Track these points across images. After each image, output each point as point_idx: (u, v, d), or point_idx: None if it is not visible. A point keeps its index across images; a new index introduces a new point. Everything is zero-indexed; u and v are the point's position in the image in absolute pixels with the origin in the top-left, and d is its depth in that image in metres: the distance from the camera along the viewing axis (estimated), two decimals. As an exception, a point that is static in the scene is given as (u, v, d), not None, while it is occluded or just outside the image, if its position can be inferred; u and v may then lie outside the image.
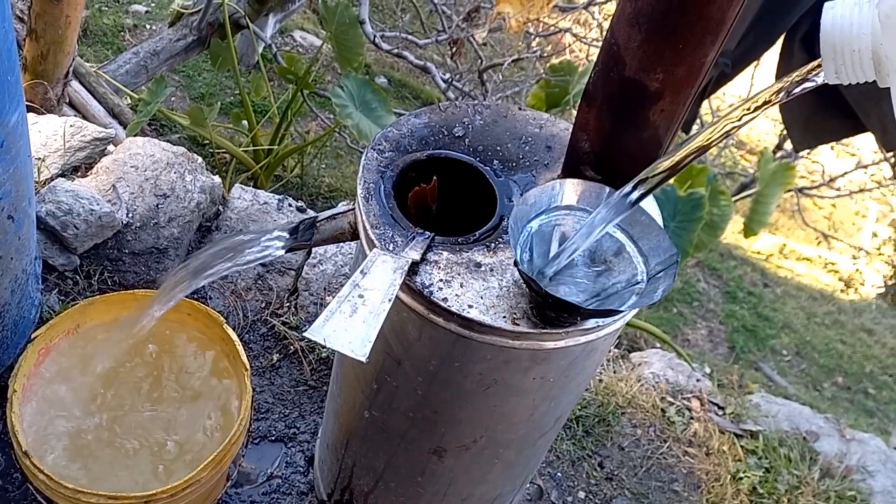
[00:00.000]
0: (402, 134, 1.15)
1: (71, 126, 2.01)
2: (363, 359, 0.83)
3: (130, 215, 1.90)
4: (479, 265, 1.02)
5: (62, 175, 1.95)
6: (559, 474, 1.80)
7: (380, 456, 1.31)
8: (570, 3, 5.24)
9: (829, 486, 1.93)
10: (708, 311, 6.11)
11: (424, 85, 7.17)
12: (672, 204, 3.77)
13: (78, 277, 1.84)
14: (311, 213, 2.13)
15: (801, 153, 5.82)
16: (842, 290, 7.11)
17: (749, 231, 4.48)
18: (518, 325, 0.97)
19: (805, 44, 1.90)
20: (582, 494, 1.78)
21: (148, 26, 6.84)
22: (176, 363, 1.47)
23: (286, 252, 1.16)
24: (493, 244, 1.05)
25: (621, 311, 0.91)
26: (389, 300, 0.89)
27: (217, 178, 2.03)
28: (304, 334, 0.84)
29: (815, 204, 8.67)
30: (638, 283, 0.95)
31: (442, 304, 0.97)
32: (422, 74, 7.01)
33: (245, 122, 4.64)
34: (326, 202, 4.70)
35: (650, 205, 1.09)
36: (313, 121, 5.46)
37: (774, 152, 5.97)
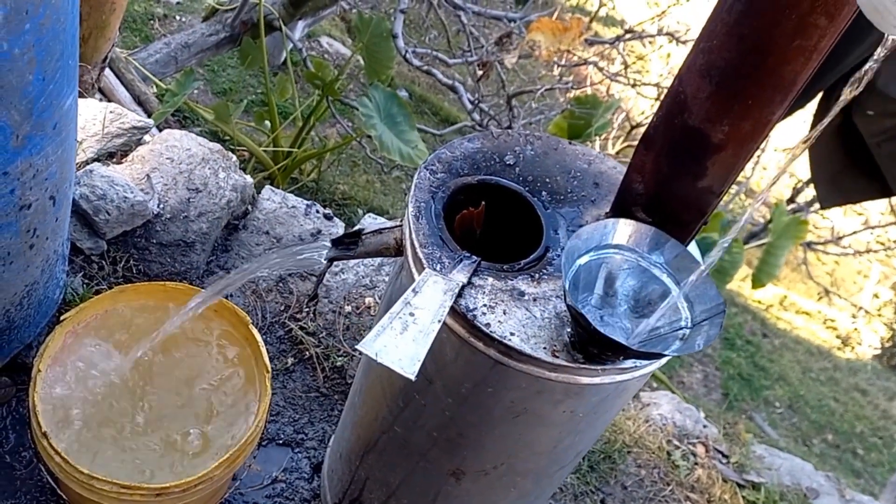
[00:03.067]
0: (455, 157, 1.17)
1: (111, 112, 2.03)
2: (412, 377, 0.84)
3: (162, 206, 1.91)
4: (522, 294, 1.04)
5: (97, 160, 1.97)
6: (561, 507, 1.81)
7: (396, 472, 1.32)
8: (596, 37, 5.29)
9: (826, 544, 1.94)
10: (705, 355, 6.11)
11: (444, 102, 7.22)
12: (684, 246, 3.79)
13: (104, 262, 1.85)
14: (337, 221, 2.15)
15: (811, 208, 5.86)
16: (839, 348, 7.12)
17: (757, 282, 4.50)
18: (557, 357, 0.98)
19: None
20: (581, 529, 1.79)
21: (178, 17, 6.88)
22: (199, 359, 1.48)
23: (330, 261, 1.18)
24: (537, 274, 1.07)
25: (665, 355, 0.92)
26: (439, 321, 0.91)
27: (249, 178, 2.05)
28: (357, 347, 0.86)
29: (818, 259, 8.70)
30: (681, 328, 0.96)
31: (484, 328, 0.98)
32: (442, 91, 7.06)
33: (267, 122, 4.67)
34: (339, 209, 4.71)
35: (695, 252, 1.10)
36: (332, 127, 5.49)
37: (787, 204, 6.01)
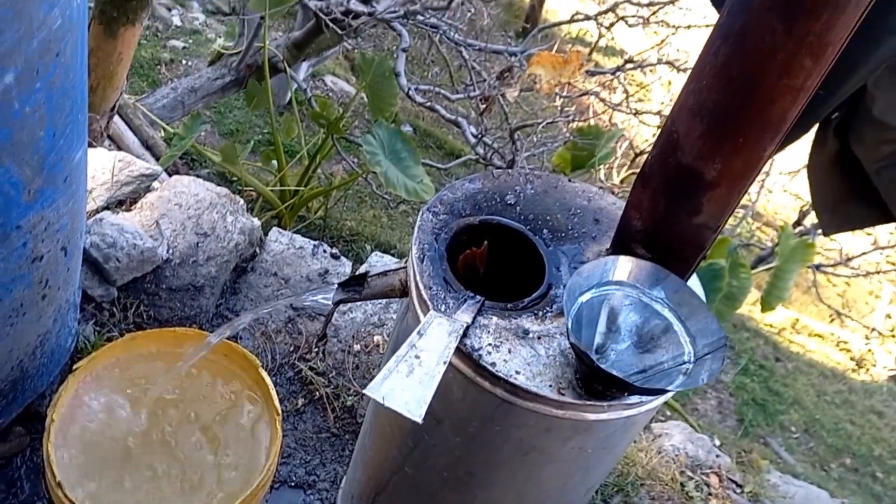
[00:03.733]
0: (457, 198, 1.19)
1: (120, 161, 2.07)
2: (419, 420, 0.85)
3: (171, 251, 1.94)
4: (527, 332, 1.05)
5: (107, 208, 2.00)
6: (575, 541, 1.80)
7: (407, 511, 1.32)
8: (597, 68, 5.33)
9: (844, 573, 1.92)
10: (719, 381, 6.08)
11: (448, 136, 7.28)
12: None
13: (115, 309, 1.87)
14: (344, 260, 2.17)
15: (818, 231, 5.85)
16: (853, 370, 7.07)
17: (766, 306, 4.49)
18: (563, 394, 0.99)
19: (838, 132, 1.94)
20: (596, 564, 1.79)
21: (184, 61, 6.99)
22: (210, 404, 1.50)
23: (337, 304, 1.20)
24: (540, 312, 1.08)
25: (668, 391, 0.93)
26: (445, 362, 0.92)
27: (256, 221, 2.08)
28: (364, 391, 0.87)
29: (829, 281, 8.66)
30: (684, 363, 0.97)
31: (490, 368, 1.00)
32: (446, 125, 7.11)
33: (274, 162, 4.72)
34: (347, 245, 4.74)
35: (696, 286, 1.12)
36: (338, 164, 5.54)
37: (794, 227, 6.01)
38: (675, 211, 1.00)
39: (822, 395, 6.38)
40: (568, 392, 0.99)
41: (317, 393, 1.88)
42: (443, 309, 1.04)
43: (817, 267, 5.73)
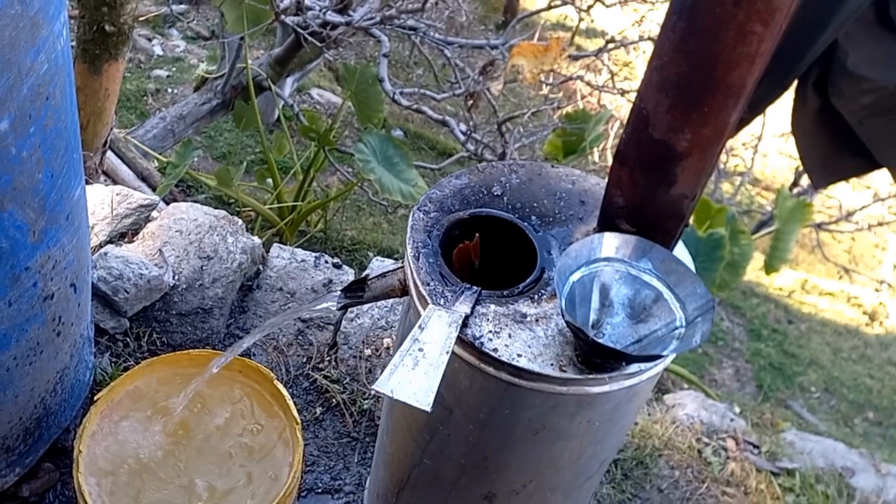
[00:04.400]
0: (445, 195, 1.23)
1: (118, 194, 2.12)
2: (427, 408, 0.90)
3: (176, 278, 1.99)
4: (524, 316, 1.09)
5: (110, 241, 2.05)
6: (600, 517, 1.85)
7: None
8: (579, 52, 5.38)
9: (868, 522, 1.96)
10: (733, 350, 6.11)
11: (439, 136, 7.32)
12: (693, 245, 3.84)
13: (128, 339, 1.92)
14: (346, 268, 2.22)
15: (817, 189, 5.88)
16: (867, 325, 7.09)
17: (770, 268, 4.53)
18: (565, 371, 1.03)
19: (817, 88, 1.98)
20: (624, 537, 1.83)
21: (170, 90, 7.04)
22: (231, 420, 1.54)
23: (340, 309, 1.24)
24: (536, 296, 1.12)
25: (663, 356, 0.97)
26: (447, 352, 0.97)
27: (257, 239, 2.13)
28: (372, 387, 0.92)
29: (834, 238, 8.68)
30: (677, 328, 1.01)
31: (492, 354, 1.04)
32: (437, 126, 7.16)
33: (269, 180, 4.78)
34: (350, 254, 4.80)
35: (682, 253, 1.16)
36: (333, 175, 5.59)
37: (791, 189, 6.04)
38: (653, 184, 1.04)
39: (839, 352, 6.41)
40: (569, 369, 1.04)
41: (333, 400, 1.92)
42: (441, 302, 1.08)
43: (819, 225, 5.76)
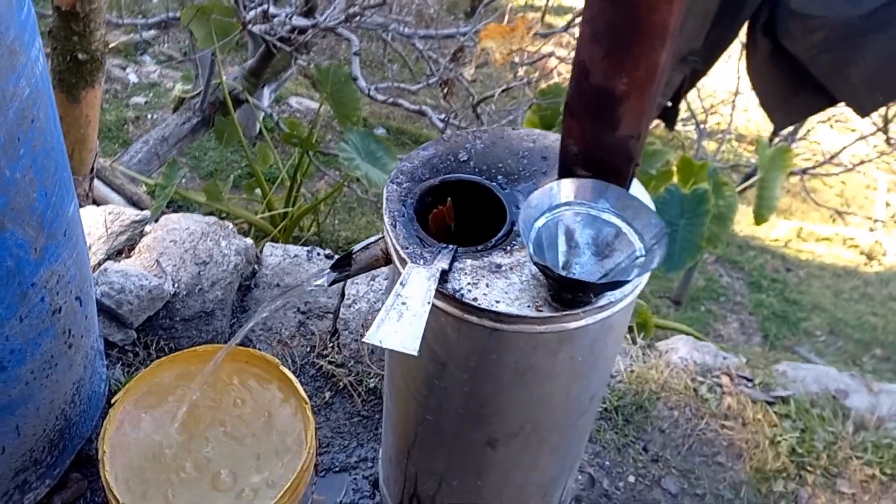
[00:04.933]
0: (415, 166, 1.32)
1: (110, 213, 2.21)
2: (414, 353, 0.99)
3: (176, 285, 2.08)
4: (499, 266, 1.18)
5: (108, 259, 2.14)
6: (607, 463, 1.94)
7: (439, 458, 1.46)
8: (548, 29, 5.45)
9: (865, 438, 2.05)
10: (736, 304, 6.20)
11: (422, 129, 7.41)
12: (678, 203, 3.93)
13: (137, 349, 2.01)
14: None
15: (797, 139, 5.96)
16: (865, 264, 7.18)
17: (759, 218, 4.61)
18: (541, 311, 1.12)
19: (766, 31, 2.07)
20: (632, 479, 1.92)
21: (149, 115, 7.13)
22: (244, 406, 1.64)
23: (331, 284, 1.33)
24: (508, 247, 1.22)
25: (627, 281, 1.06)
26: (428, 303, 1.06)
27: (249, 240, 2.22)
28: (363, 340, 1.01)
29: (824, 184, 8.77)
30: (638, 257, 1.10)
31: (473, 303, 1.13)
32: (418, 119, 7.25)
33: (258, 191, 4.87)
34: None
35: (637, 188, 1.25)
36: (321, 179, 5.68)
37: (771, 140, 6.11)
38: (600, 129, 1.13)
39: (840, 294, 6.49)
40: (545, 308, 1.13)
41: (340, 383, 2.02)
42: (420, 263, 1.17)
43: (804, 171, 5.84)
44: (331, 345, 2.09)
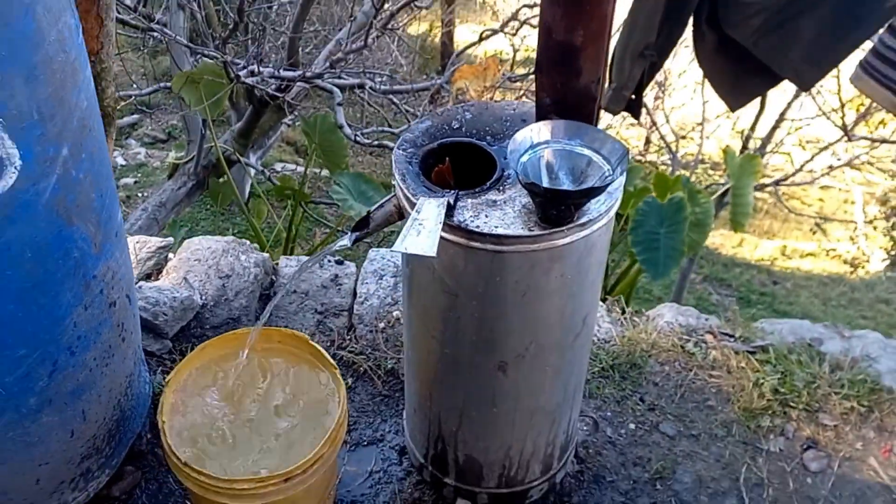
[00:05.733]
0: (416, 135, 1.61)
1: (137, 242, 2.47)
2: (433, 254, 1.25)
3: (204, 298, 2.33)
4: (495, 202, 1.46)
5: (140, 281, 2.39)
6: (609, 413, 2.17)
7: (458, 391, 1.70)
8: (515, 74, 5.80)
9: (841, 377, 2.30)
10: (727, 320, 6.45)
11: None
12: (657, 213, 4.23)
13: (174, 356, 2.25)
14: (348, 263, 2.57)
15: (765, 149, 6.32)
16: (850, 272, 7.49)
17: (737, 225, 4.92)
18: (533, 230, 1.39)
19: (710, 23, 2.39)
20: (632, 426, 2.15)
21: (140, 194, 7.44)
22: (281, 377, 1.88)
23: (354, 243, 1.60)
24: (500, 188, 1.49)
25: (602, 189, 1.33)
26: (440, 223, 1.33)
27: (265, 254, 2.48)
28: (391, 249, 1.27)
29: (803, 203, 9.15)
30: (608, 177, 1.38)
31: (477, 230, 1.40)
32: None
33: (255, 245, 5.12)
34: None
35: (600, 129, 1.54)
36: (316, 227, 5.97)
37: (741, 152, 6.47)
38: (566, 78, 1.42)
39: (828, 301, 6.78)
40: (536, 228, 1.40)
41: (361, 369, 2.25)
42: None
43: (777, 182, 6.19)
44: (348, 338, 2.33)
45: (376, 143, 4.43)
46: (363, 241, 1.65)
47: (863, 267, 7.59)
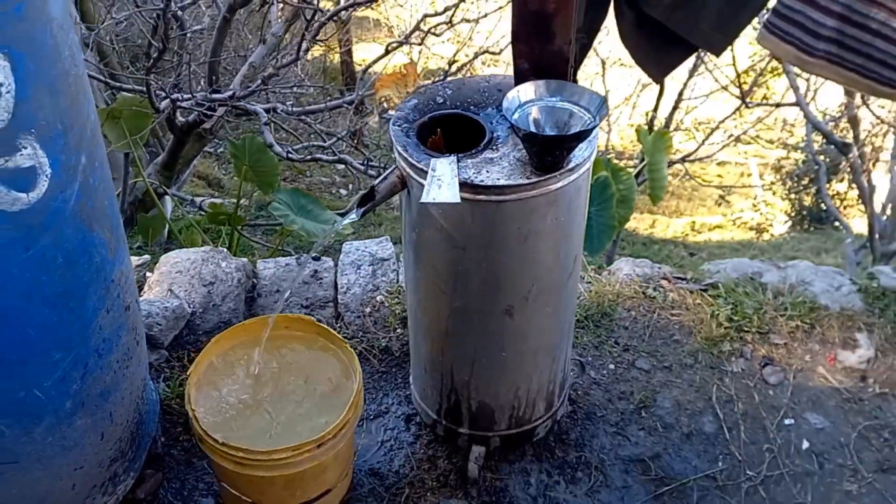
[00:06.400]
0: (406, 113, 1.80)
1: (116, 261, 2.55)
2: (458, 200, 1.45)
3: (192, 306, 2.45)
4: (491, 160, 1.66)
5: (126, 297, 2.48)
6: (589, 358, 2.41)
7: (469, 342, 1.89)
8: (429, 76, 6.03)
9: (784, 301, 2.60)
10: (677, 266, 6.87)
11: (333, 200, 7.86)
12: (585, 193, 4.51)
13: (173, 363, 2.36)
14: (325, 258, 2.72)
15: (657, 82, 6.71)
16: (757, 237, 8.03)
17: (655, 198, 5.26)
18: (530, 178, 1.60)
19: (629, 3, 2.66)
20: (612, 366, 2.39)
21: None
22: (296, 357, 2.02)
23: (361, 217, 1.77)
24: (493, 148, 1.70)
25: (589, 131, 1.55)
26: (455, 175, 1.52)
27: (244, 259, 2.61)
28: (420, 201, 1.46)
29: (704, 180, 9.72)
30: (590, 123, 1.60)
31: (481, 183, 1.60)
32: (327, 189, 7.71)
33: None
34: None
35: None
36: (256, 251, 6.02)
37: (650, 130, 6.86)
38: (541, 44, 1.64)
39: (741, 266, 7.29)
40: (533, 176, 1.60)
41: (356, 351, 2.40)
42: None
43: (683, 159, 6.61)
44: (338, 326, 2.49)
45: (309, 158, 4.57)
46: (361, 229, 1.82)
47: (767, 231, 8.16)
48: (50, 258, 1.61)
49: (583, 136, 1.57)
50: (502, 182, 1.59)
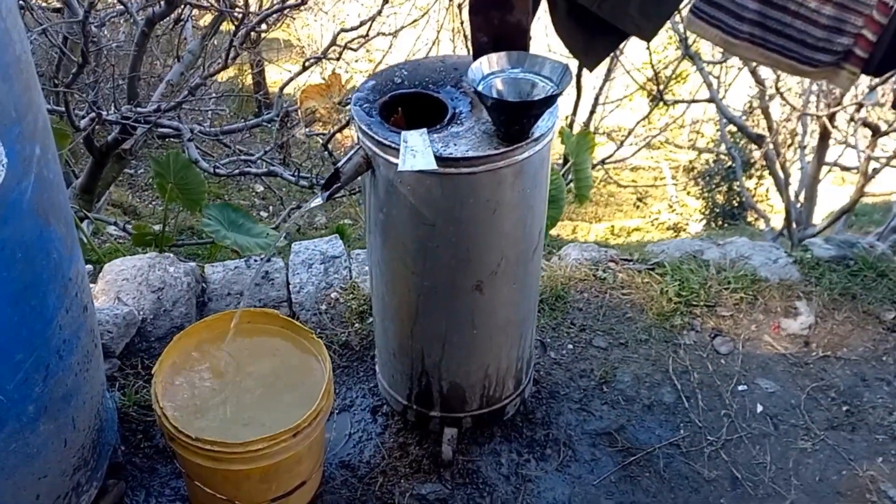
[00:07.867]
0: (366, 94, 1.81)
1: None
2: (435, 166, 1.47)
3: (141, 313, 2.39)
4: (457, 134, 1.69)
5: (71, 307, 2.40)
6: (548, 339, 2.45)
7: (439, 321, 1.90)
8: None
9: (726, 275, 2.71)
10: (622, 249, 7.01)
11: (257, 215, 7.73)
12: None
13: (127, 372, 2.29)
14: (276, 259, 2.69)
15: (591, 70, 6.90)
16: (675, 236, 8.30)
17: (581, 198, 5.36)
18: (498, 148, 1.64)
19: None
20: (570, 346, 2.44)
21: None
22: (259, 350, 1.99)
23: (326, 200, 1.77)
24: (458, 122, 1.73)
25: (555, 97, 1.60)
26: (428, 144, 1.54)
27: (192, 263, 2.56)
28: (398, 170, 1.47)
29: (619, 185, 9.99)
30: (554, 90, 1.65)
31: (450, 156, 1.62)
32: (251, 209, 7.58)
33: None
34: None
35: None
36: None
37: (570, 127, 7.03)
38: (500, 17, 1.68)
39: (664, 264, 7.52)
40: (500, 146, 1.64)
41: (314, 348, 2.39)
42: (404, 142, 1.65)
43: (602, 162, 6.79)
44: (294, 324, 2.46)
45: (238, 171, 4.51)
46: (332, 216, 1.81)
47: (684, 230, 8.44)
48: (9, 253, 1.56)
49: (550, 101, 1.61)
50: (471, 154, 1.62)
